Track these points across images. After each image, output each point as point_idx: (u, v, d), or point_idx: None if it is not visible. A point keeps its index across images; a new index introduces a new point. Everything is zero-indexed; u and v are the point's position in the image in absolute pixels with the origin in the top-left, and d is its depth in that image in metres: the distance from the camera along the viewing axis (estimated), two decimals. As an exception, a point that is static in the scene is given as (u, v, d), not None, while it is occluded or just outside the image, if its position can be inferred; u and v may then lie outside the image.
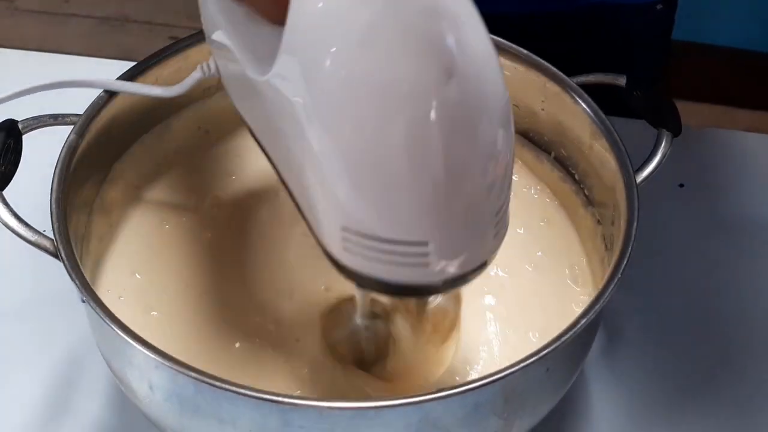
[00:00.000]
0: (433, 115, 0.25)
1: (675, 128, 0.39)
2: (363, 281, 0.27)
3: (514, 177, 0.44)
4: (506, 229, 0.29)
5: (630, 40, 0.55)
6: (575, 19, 0.53)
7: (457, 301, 0.36)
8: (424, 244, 0.26)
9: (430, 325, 0.35)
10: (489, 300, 0.39)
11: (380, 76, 0.25)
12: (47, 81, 0.37)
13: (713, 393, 0.42)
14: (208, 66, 0.35)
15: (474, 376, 0.36)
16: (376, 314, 0.36)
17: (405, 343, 0.35)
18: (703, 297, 0.46)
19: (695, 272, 0.47)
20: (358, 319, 0.35)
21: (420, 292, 0.28)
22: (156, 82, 0.41)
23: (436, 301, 0.34)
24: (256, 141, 0.34)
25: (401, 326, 0.35)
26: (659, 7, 0.55)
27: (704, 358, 0.44)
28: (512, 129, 0.28)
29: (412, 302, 0.34)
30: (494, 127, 0.26)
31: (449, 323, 0.35)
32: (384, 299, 0.35)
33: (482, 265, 0.28)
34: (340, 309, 0.37)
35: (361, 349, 0.36)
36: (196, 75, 0.35)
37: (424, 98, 0.25)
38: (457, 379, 0.36)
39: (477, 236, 0.27)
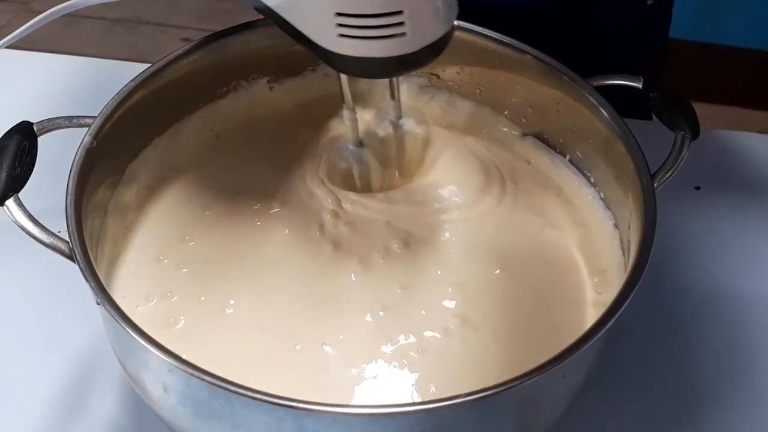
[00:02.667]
0: None
1: (693, 130, 0.39)
2: (357, 66, 0.34)
3: (529, 180, 0.44)
4: (455, 12, 0.34)
5: (620, 35, 0.55)
6: (564, 14, 0.53)
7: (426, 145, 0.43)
8: (400, 13, 0.32)
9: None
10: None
11: None
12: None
13: (728, 398, 0.42)
14: None
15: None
16: (362, 143, 0.42)
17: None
18: (719, 300, 0.46)
19: (713, 275, 0.47)
20: (349, 145, 0.42)
21: (401, 66, 0.34)
22: (168, 82, 0.41)
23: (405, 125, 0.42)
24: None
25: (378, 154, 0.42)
26: (650, 2, 0.54)
27: (721, 362, 0.43)
28: None
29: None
30: None
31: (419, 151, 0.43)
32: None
33: (445, 41, 0.34)
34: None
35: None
36: None
37: None
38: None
39: (439, 4, 0.33)
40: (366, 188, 0.43)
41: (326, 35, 0.33)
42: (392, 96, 0.42)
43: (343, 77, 0.39)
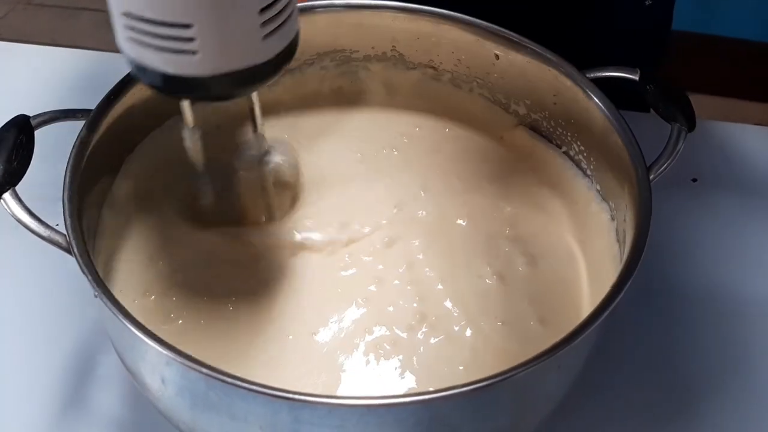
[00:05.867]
0: None
1: (689, 123, 0.39)
2: (145, 75, 0.29)
3: (526, 172, 0.45)
4: (285, 40, 0.30)
5: (619, 34, 0.55)
6: (562, 11, 0.53)
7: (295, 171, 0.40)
8: (189, 26, 0.28)
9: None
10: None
11: None
12: None
13: (723, 393, 0.42)
14: None
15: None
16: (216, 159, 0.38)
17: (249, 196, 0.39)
18: (715, 292, 0.46)
19: (709, 267, 0.47)
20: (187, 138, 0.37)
21: (195, 88, 0.29)
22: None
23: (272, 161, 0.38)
24: None
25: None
26: (648, 2, 0.54)
27: (716, 355, 0.43)
28: None
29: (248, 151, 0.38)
30: None
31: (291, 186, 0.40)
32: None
33: (252, 73, 0.29)
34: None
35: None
36: None
37: None
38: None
39: (242, 29, 0.28)
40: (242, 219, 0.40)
41: (118, 34, 0.30)
42: (253, 129, 0.38)
43: None
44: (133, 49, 0.29)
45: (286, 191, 0.41)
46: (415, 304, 0.38)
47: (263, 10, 0.29)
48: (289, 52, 0.31)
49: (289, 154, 0.40)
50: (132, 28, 0.28)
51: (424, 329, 0.37)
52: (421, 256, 0.40)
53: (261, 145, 0.39)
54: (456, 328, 0.37)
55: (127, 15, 0.28)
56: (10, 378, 0.42)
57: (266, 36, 0.29)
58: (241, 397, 0.30)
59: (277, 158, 0.39)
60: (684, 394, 0.42)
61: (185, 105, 0.35)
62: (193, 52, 0.28)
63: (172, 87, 0.30)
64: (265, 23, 0.29)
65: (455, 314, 0.38)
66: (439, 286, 0.39)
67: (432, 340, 0.37)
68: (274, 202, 0.40)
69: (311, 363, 0.36)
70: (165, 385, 0.33)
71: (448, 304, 0.38)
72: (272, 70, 0.30)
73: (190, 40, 0.28)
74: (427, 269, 0.40)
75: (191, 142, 0.37)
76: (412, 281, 0.39)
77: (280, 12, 0.29)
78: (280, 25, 0.29)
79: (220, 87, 0.29)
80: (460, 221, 0.42)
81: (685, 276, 0.47)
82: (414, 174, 0.44)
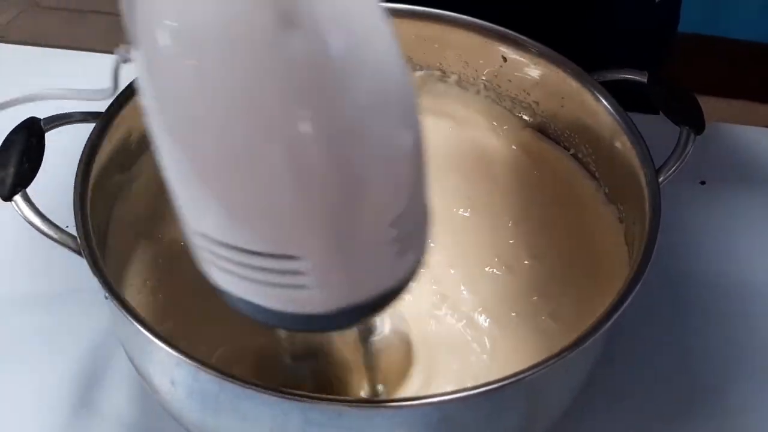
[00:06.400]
0: (270, 69, 0.19)
1: (698, 125, 0.39)
2: (242, 307, 0.23)
3: (533, 174, 0.45)
4: (419, 250, 0.22)
5: (625, 36, 0.55)
6: (567, 11, 0.53)
7: (405, 331, 0.31)
8: (295, 258, 0.20)
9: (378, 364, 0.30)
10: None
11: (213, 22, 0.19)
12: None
13: (733, 394, 0.42)
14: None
15: None
16: (310, 351, 0.30)
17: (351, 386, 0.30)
18: (725, 295, 0.46)
19: (717, 270, 0.47)
20: (286, 359, 0.30)
21: (311, 323, 0.22)
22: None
23: (379, 334, 0.29)
24: None
25: (341, 367, 0.30)
26: (657, 1, 0.54)
27: (726, 357, 0.43)
28: (414, 124, 0.21)
29: (346, 336, 0.28)
30: (375, 113, 0.20)
31: (400, 361, 0.31)
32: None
33: (390, 294, 0.22)
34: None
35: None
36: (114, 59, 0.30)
37: (256, 49, 0.19)
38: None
39: (368, 254, 0.21)
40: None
41: (197, 257, 0.23)
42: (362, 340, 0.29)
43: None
44: (221, 277, 0.22)
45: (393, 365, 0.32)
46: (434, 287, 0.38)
47: (396, 221, 0.20)
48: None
49: (402, 327, 0.32)
50: (214, 253, 0.21)
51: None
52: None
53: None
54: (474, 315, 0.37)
55: (205, 237, 0.21)
56: (21, 380, 0.42)
57: (400, 252, 0.21)
58: (251, 399, 0.30)
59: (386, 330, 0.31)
60: (693, 394, 0.42)
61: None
62: (304, 287, 0.21)
63: (280, 322, 0.23)
64: (395, 239, 0.21)
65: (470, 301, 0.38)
66: (452, 271, 0.39)
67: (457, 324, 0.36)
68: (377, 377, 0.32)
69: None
70: (175, 386, 0.33)
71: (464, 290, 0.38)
72: (405, 286, 0.22)
73: (299, 273, 0.21)
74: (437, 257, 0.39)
75: (297, 370, 0.30)
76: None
77: (416, 216, 0.21)
78: (416, 233, 0.21)
79: (346, 320, 0.22)
80: (463, 212, 0.42)
81: (694, 278, 0.46)
82: None
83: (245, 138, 0.20)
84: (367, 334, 0.29)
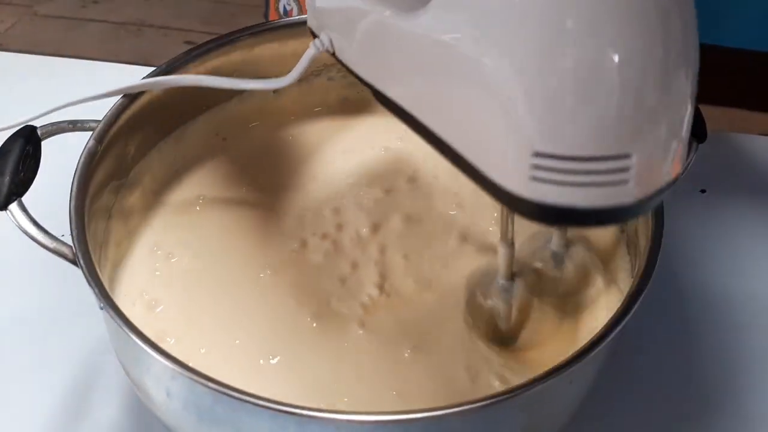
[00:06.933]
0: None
1: (700, 134, 0.39)
2: (548, 214, 0.25)
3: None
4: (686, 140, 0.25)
5: None
6: None
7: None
8: (627, 156, 0.24)
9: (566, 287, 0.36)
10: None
11: None
12: (122, 86, 0.38)
13: (736, 403, 0.42)
14: (321, 42, 0.33)
15: None
16: (514, 274, 0.35)
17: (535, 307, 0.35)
18: (725, 303, 0.46)
19: (718, 278, 0.47)
20: (500, 280, 0.35)
21: (610, 217, 0.25)
22: (172, 88, 0.40)
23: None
24: (383, 102, 0.30)
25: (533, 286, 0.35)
26: None
27: (727, 366, 0.43)
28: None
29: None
30: (685, 18, 0.24)
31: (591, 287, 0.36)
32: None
33: (675, 180, 0.26)
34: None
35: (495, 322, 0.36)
36: (310, 53, 0.33)
37: None
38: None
39: (673, 142, 0.25)
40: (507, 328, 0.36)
41: (513, 175, 0.25)
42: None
43: (506, 211, 0.33)
44: (539, 190, 0.24)
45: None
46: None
47: (687, 114, 0.25)
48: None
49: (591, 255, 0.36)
50: (542, 168, 0.24)
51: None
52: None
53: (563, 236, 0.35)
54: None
55: (540, 154, 0.24)
56: (14, 390, 0.42)
57: (686, 140, 0.25)
58: (248, 412, 0.30)
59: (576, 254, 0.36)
60: (696, 402, 0.41)
61: (506, 219, 0.33)
62: (625, 182, 0.24)
63: (578, 219, 0.25)
64: (687, 127, 0.25)
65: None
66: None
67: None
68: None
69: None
70: (170, 398, 0.33)
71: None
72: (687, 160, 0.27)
73: (625, 170, 0.24)
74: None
75: (504, 255, 0.34)
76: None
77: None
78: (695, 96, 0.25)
79: (636, 210, 0.25)
80: (450, 211, 0.42)
81: (695, 286, 0.46)
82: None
83: (604, 69, 0.23)
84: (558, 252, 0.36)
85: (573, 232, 0.37)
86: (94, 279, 0.33)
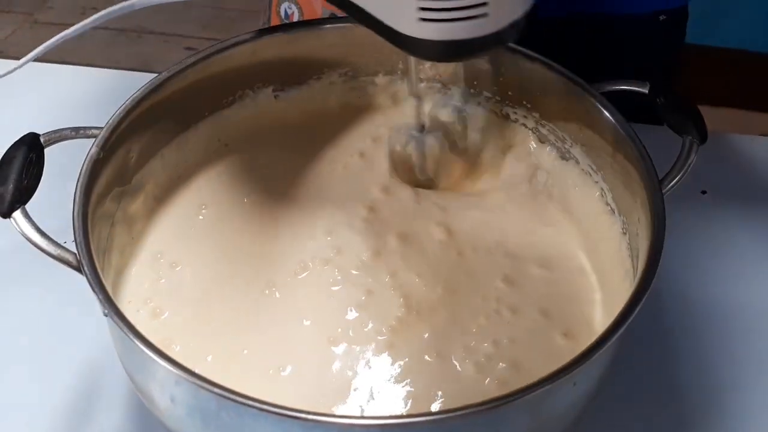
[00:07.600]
0: None
1: (701, 135, 0.39)
2: (433, 50, 0.34)
3: (535, 185, 0.44)
4: None
5: (629, 50, 0.55)
6: (572, 29, 0.53)
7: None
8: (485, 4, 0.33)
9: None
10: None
11: None
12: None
13: (737, 407, 0.42)
14: None
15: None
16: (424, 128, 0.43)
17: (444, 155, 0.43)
18: (726, 305, 0.46)
19: (719, 279, 0.47)
20: (413, 132, 0.43)
21: (483, 45, 0.34)
22: (174, 92, 0.40)
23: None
24: None
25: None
26: (662, 18, 0.54)
27: (728, 369, 0.43)
28: None
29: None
30: None
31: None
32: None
33: (530, 11, 0.34)
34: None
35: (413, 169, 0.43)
36: None
37: None
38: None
39: None
40: (424, 177, 0.44)
41: (406, 21, 0.33)
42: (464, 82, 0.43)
43: (413, 63, 0.41)
44: (427, 29, 0.33)
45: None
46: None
47: None
48: None
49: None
50: (426, 9, 0.32)
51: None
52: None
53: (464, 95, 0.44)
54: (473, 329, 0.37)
55: (423, 7, 0.32)
56: (19, 396, 0.42)
57: None
58: (252, 417, 0.30)
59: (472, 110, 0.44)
60: (696, 405, 0.41)
61: (413, 72, 0.41)
62: (485, 15, 0.33)
63: (461, 51, 0.34)
64: None
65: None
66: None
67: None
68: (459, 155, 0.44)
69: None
70: (174, 404, 0.33)
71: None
72: (534, 12, 0.35)
73: (483, 4, 0.33)
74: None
75: (415, 107, 0.43)
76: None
77: None
78: None
79: (505, 37, 0.34)
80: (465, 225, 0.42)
81: (695, 288, 0.46)
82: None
83: None
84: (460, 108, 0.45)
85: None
86: (98, 286, 0.33)
